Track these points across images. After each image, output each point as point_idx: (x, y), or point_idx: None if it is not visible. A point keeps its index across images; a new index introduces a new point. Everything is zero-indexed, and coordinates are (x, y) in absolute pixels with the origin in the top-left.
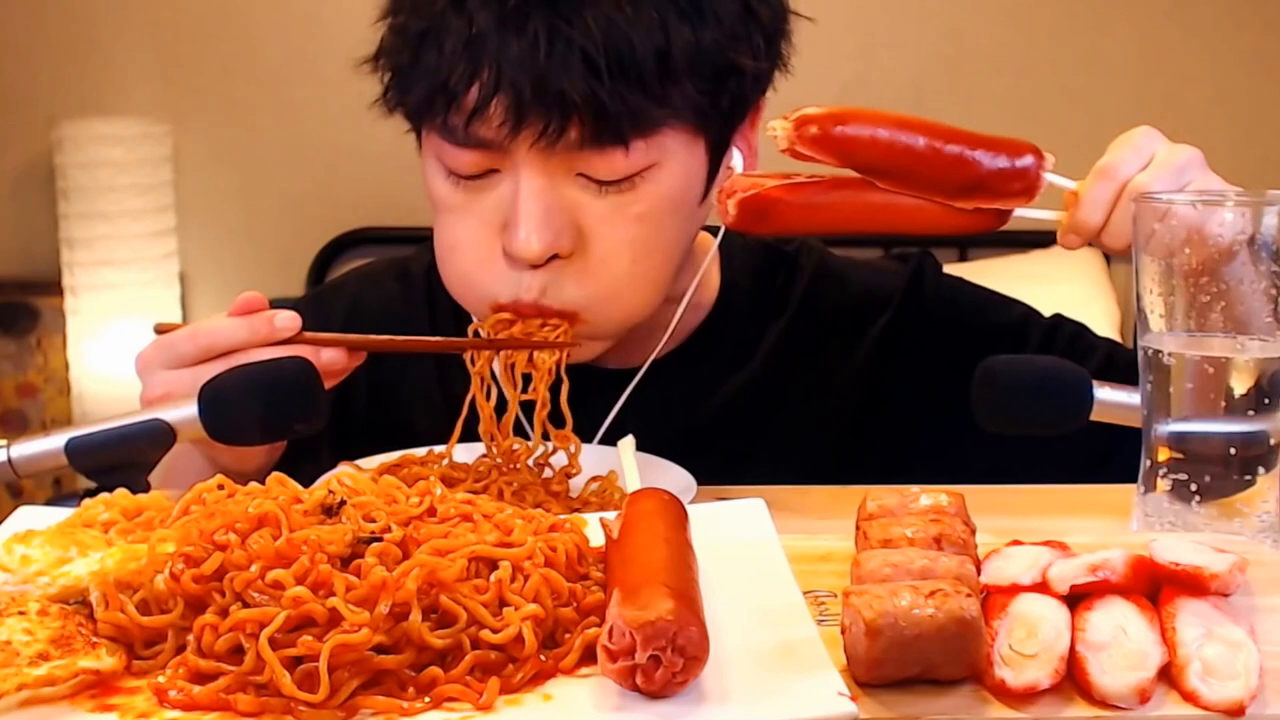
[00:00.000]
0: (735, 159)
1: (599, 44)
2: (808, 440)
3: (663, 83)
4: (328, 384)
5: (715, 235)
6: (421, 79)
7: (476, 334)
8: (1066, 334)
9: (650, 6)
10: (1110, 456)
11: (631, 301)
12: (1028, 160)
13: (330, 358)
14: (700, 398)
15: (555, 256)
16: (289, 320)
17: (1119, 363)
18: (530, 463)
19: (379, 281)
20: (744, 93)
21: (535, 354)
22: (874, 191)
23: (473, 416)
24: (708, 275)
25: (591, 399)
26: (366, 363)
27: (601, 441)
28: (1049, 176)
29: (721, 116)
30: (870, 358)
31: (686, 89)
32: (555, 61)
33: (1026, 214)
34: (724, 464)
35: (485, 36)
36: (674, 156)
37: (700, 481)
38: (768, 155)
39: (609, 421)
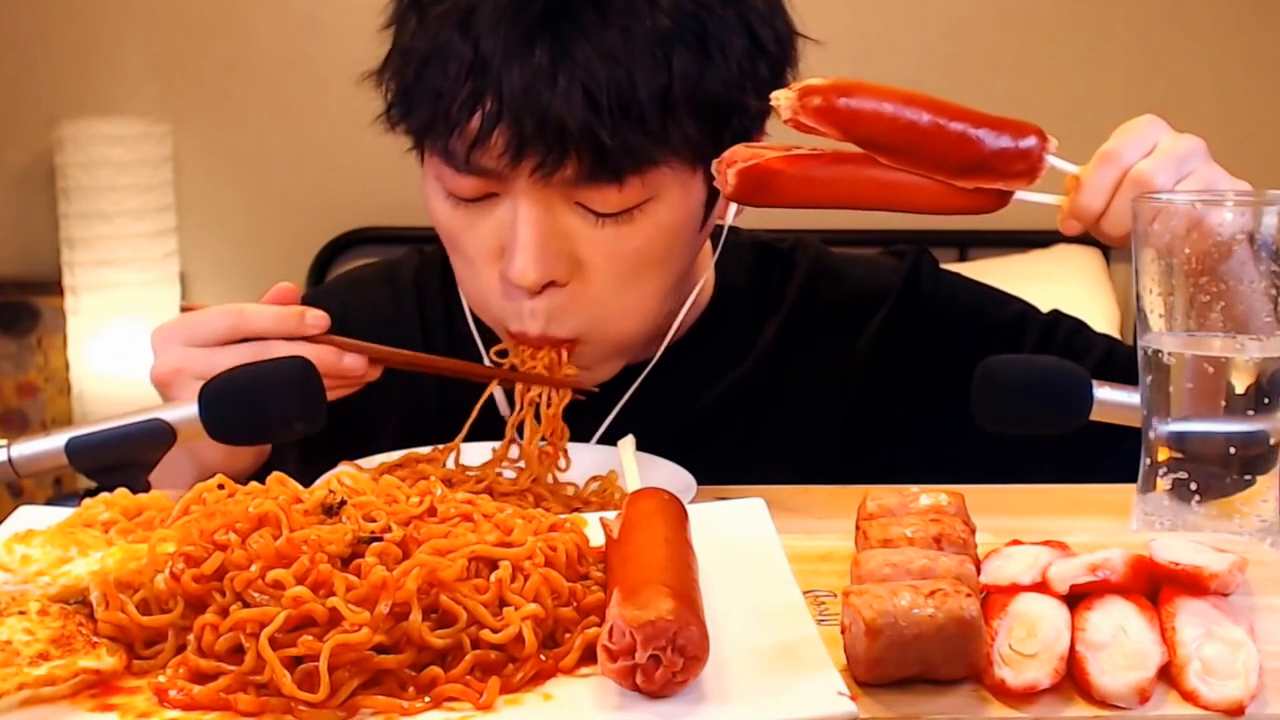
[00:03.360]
0: None
1: (601, 81)
2: (805, 437)
3: (663, 122)
4: (342, 392)
5: (715, 238)
6: (424, 101)
7: (492, 343)
8: (1065, 330)
9: (655, 41)
10: (1108, 455)
11: (628, 327)
12: (1031, 141)
13: (351, 364)
14: (697, 395)
15: (552, 284)
16: (318, 318)
17: (1118, 358)
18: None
19: (368, 287)
20: (746, 129)
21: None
22: (875, 167)
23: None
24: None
25: (590, 399)
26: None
27: (600, 441)
28: (1052, 160)
29: (722, 151)
30: (867, 354)
31: (687, 128)
32: (558, 95)
33: (1027, 197)
34: (722, 461)
35: (489, 63)
36: (672, 190)
37: (698, 479)
38: (771, 128)
39: (609, 423)
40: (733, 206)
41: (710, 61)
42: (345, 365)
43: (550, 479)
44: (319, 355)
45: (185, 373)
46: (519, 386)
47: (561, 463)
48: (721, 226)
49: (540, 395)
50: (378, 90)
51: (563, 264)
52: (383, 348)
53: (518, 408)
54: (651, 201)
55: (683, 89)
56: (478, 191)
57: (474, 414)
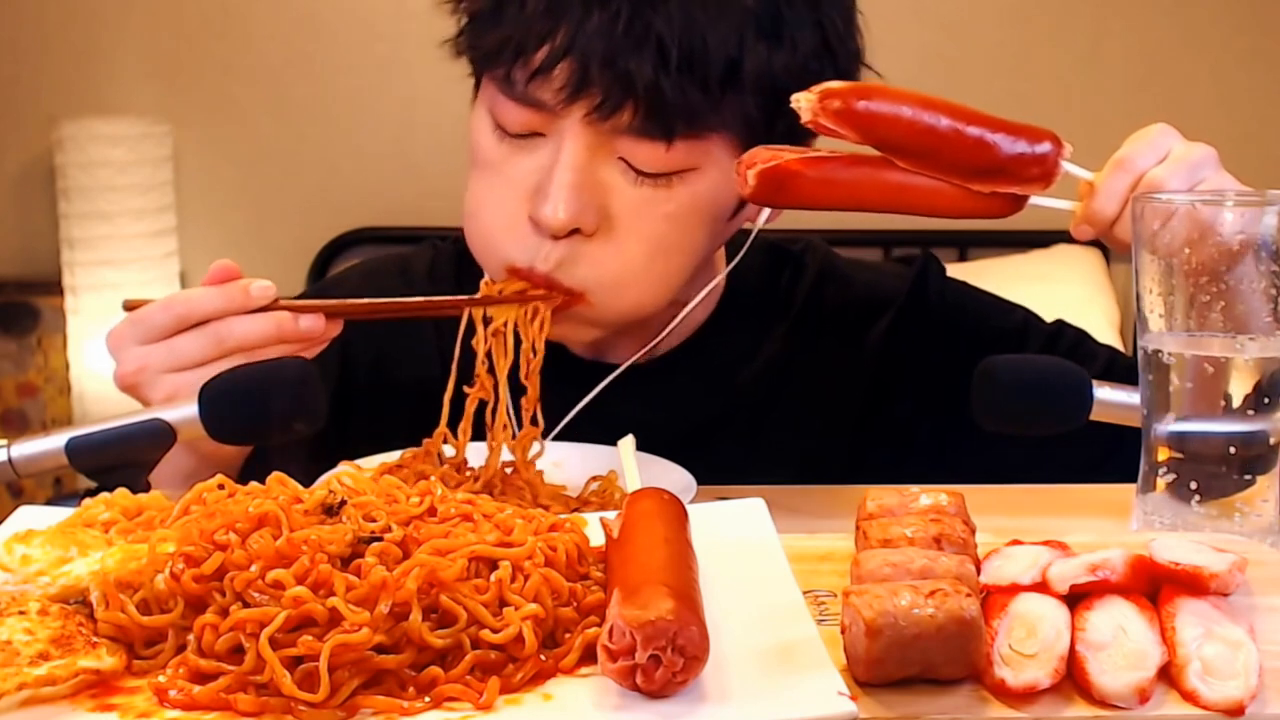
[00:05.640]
0: None
1: (675, 35)
2: (809, 440)
3: (724, 89)
4: (309, 353)
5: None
6: (497, 29)
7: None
8: (1068, 340)
9: (733, 16)
10: (1110, 457)
11: (639, 295)
12: (1046, 147)
13: (308, 325)
14: (703, 395)
15: (577, 232)
16: (264, 289)
17: (1119, 370)
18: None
19: (381, 278)
20: (800, 123)
21: (523, 323)
22: (893, 170)
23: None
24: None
25: (586, 391)
26: (367, 337)
27: (603, 441)
28: (1066, 165)
29: (773, 140)
30: (872, 359)
31: (746, 102)
32: (630, 41)
33: (1042, 202)
34: (726, 462)
35: (571, 2)
36: (715, 165)
37: (702, 479)
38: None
39: (572, 412)
40: (764, 212)
41: (780, 48)
42: (303, 328)
43: (535, 449)
44: (276, 322)
45: (149, 370)
46: (480, 327)
47: (542, 448)
48: (746, 230)
49: (505, 324)
50: (454, 11)
51: (593, 214)
52: (338, 301)
53: (482, 340)
54: (693, 172)
55: (751, 65)
56: (526, 127)
57: (456, 354)
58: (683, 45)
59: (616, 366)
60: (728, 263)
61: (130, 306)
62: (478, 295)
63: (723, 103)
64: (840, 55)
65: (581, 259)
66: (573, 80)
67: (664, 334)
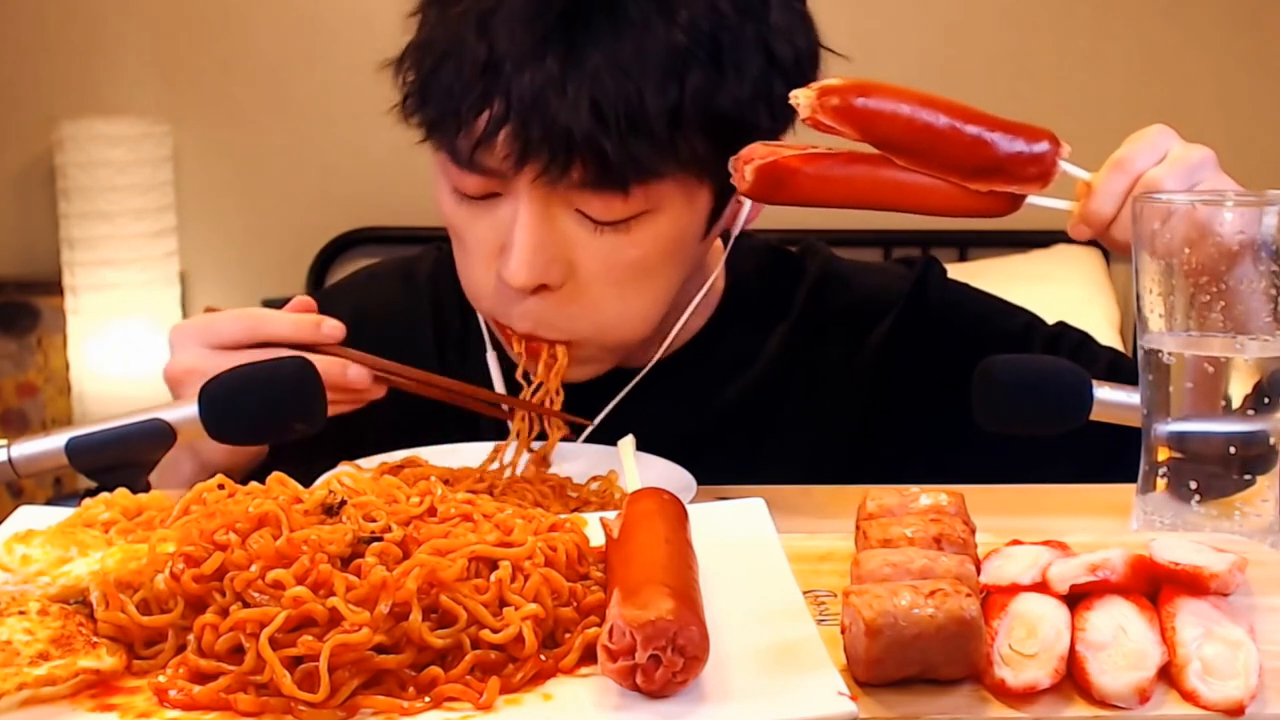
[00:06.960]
0: (747, 203)
1: (610, 93)
2: (811, 442)
3: (671, 136)
4: (345, 407)
5: (725, 240)
6: (436, 97)
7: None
8: (1070, 342)
9: (669, 57)
10: (1113, 464)
11: (623, 332)
12: (1044, 146)
13: (356, 375)
14: (705, 399)
15: (545, 287)
16: (334, 328)
17: (1122, 372)
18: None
19: (384, 284)
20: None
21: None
22: (890, 167)
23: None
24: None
25: (595, 397)
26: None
27: (604, 440)
28: (1064, 165)
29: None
30: (873, 361)
31: (695, 143)
32: (565, 103)
33: (1039, 202)
34: (728, 465)
35: (501, 65)
36: (675, 203)
37: (706, 481)
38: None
39: (616, 425)
40: (742, 215)
41: (724, 80)
42: (350, 377)
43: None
44: (325, 366)
45: (197, 373)
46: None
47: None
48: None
49: (538, 398)
50: (395, 80)
51: (557, 269)
52: (393, 364)
53: (514, 433)
54: (651, 213)
55: (694, 106)
56: (481, 190)
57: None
58: (619, 103)
59: (617, 370)
60: (728, 263)
61: (210, 310)
62: (527, 399)
63: (672, 149)
64: (789, 65)
65: (557, 314)
66: (516, 148)
67: (665, 343)
